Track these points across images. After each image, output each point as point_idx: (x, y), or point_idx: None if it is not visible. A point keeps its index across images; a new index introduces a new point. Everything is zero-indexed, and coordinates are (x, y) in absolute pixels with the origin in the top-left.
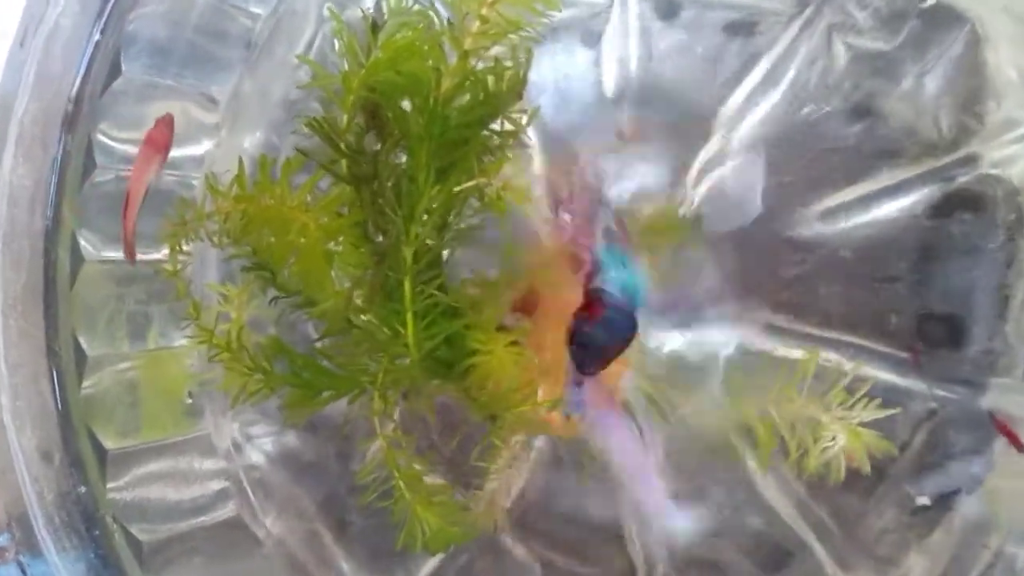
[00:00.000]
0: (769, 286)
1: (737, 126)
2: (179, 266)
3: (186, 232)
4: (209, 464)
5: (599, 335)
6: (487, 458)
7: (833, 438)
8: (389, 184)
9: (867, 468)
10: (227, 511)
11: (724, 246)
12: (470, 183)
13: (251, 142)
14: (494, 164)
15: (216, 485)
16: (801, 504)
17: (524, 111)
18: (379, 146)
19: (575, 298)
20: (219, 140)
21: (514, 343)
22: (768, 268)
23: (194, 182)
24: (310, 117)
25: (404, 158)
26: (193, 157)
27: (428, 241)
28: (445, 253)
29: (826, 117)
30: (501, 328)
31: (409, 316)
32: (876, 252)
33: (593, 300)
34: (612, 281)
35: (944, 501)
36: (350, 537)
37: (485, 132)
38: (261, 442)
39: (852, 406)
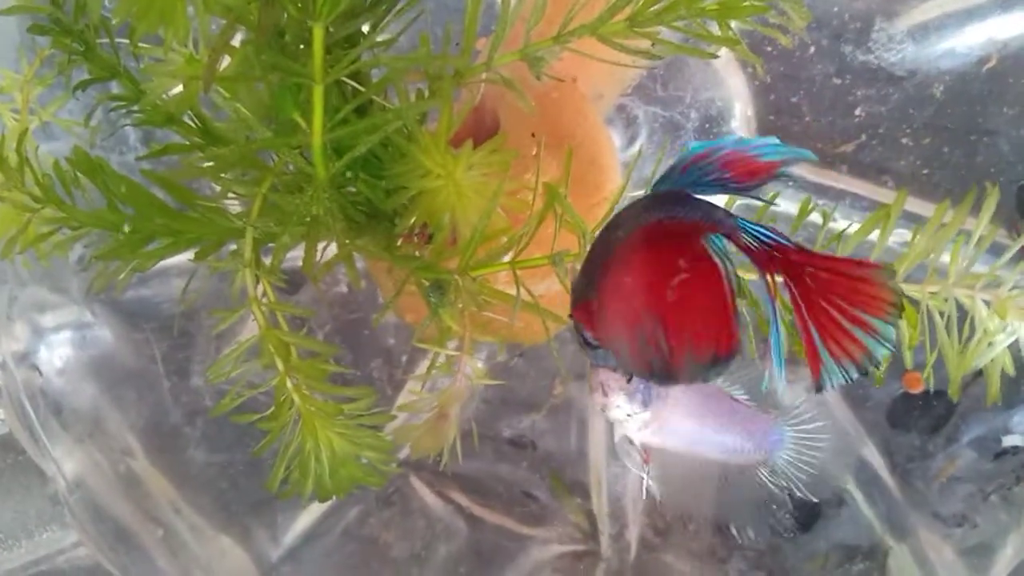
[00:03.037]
0: (833, 132)
1: None
2: None
3: None
4: None
5: None
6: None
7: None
8: None
9: None
10: None
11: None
12: None
13: None
14: None
15: None
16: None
17: None
18: None
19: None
20: None
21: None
22: (834, 105)
23: None
24: None
25: None
26: None
27: None
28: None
29: None
30: None
31: (317, 92)
32: (976, 92)
33: None
34: None
35: None
36: (186, 478)
37: None
38: (55, 339)
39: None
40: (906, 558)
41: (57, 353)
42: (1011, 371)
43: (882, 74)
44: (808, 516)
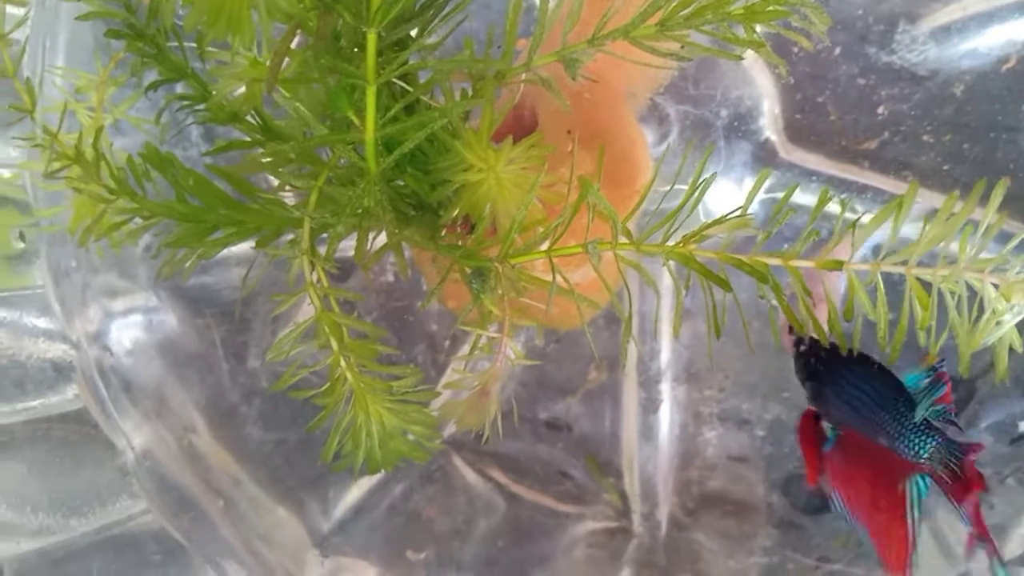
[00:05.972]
0: (857, 129)
1: None
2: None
3: None
4: (44, 323)
5: None
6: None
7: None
8: None
9: None
10: (67, 399)
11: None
12: None
13: None
14: None
15: (50, 352)
16: None
17: None
18: None
19: (595, 122)
20: None
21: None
22: (859, 104)
23: None
24: None
25: None
26: None
27: None
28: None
29: None
30: None
31: (370, 93)
32: (996, 91)
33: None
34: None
35: None
36: (244, 453)
37: None
38: (124, 323)
39: None
40: (924, 536)
41: (126, 335)
42: (1019, 348)
43: (905, 74)
44: (824, 499)
